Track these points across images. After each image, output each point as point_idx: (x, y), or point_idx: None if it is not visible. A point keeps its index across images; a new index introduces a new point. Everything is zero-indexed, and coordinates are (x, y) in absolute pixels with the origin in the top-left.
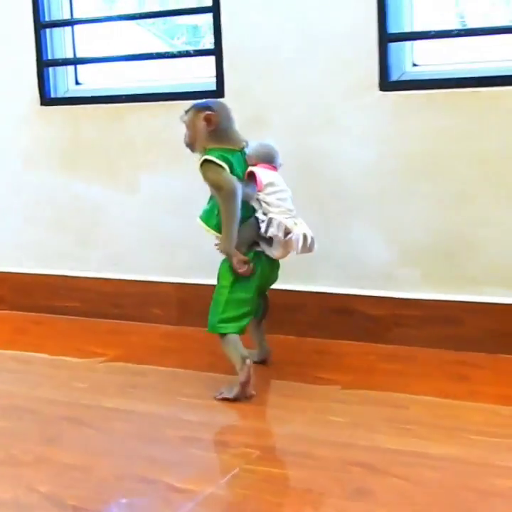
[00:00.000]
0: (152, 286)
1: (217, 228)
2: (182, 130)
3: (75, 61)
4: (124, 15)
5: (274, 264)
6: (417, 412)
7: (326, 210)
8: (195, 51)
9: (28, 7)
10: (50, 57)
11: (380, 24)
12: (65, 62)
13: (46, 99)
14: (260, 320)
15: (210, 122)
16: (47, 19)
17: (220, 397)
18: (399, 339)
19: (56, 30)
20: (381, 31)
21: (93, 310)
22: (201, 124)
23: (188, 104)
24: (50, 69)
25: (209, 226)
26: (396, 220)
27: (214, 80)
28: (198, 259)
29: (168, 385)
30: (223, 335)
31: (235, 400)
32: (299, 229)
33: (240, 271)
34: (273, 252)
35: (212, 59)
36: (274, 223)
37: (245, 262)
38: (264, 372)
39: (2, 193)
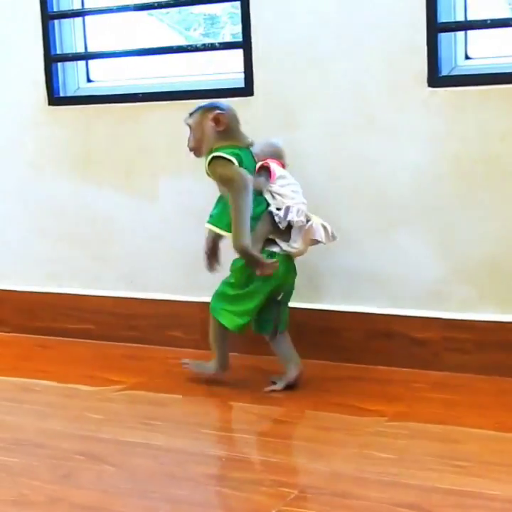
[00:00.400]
0: (173, 306)
1: (229, 228)
2: None
3: (87, 56)
4: (141, 4)
5: (290, 266)
6: (472, 447)
7: (366, 220)
8: (220, 44)
9: None
10: (58, 52)
11: (428, 12)
12: (76, 57)
13: (54, 98)
14: (275, 334)
15: (219, 123)
16: (55, 9)
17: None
18: (450, 365)
19: (65, 21)
20: (430, 20)
21: (107, 333)
22: (209, 125)
23: (214, 102)
24: (59, 65)
25: (221, 227)
26: (448, 232)
27: (241, 75)
28: (224, 276)
29: (191, 416)
30: (219, 321)
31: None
32: (317, 219)
33: (262, 272)
34: (293, 246)
35: (238, 52)
36: (294, 210)
37: (264, 263)
38: (299, 401)
39: (6, 202)
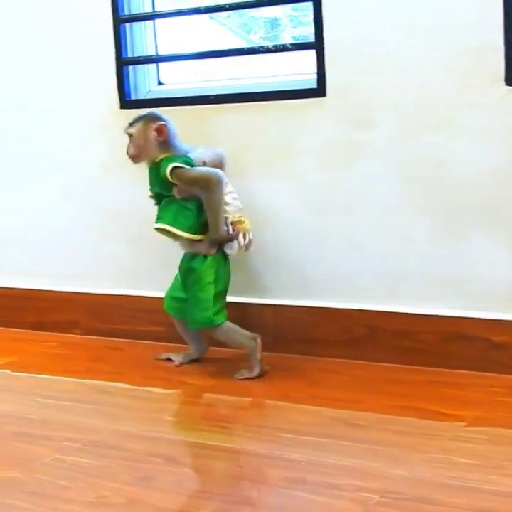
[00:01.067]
0: (244, 309)
1: (190, 230)
2: (276, 133)
3: (158, 59)
4: (213, 6)
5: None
6: None
7: (439, 221)
8: (292, 45)
9: (106, 0)
10: (129, 55)
11: (506, 7)
12: (147, 60)
13: (126, 101)
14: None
15: (161, 133)
16: (126, 13)
17: (241, 377)
18: None
19: (136, 25)
20: (508, 15)
21: (177, 335)
22: (152, 134)
23: (285, 104)
24: (130, 68)
25: (179, 229)
26: None
27: (313, 76)
28: (294, 278)
29: (266, 419)
30: (218, 326)
31: (257, 377)
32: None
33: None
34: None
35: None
36: (228, 221)
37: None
38: (373, 404)
39: (78, 206)
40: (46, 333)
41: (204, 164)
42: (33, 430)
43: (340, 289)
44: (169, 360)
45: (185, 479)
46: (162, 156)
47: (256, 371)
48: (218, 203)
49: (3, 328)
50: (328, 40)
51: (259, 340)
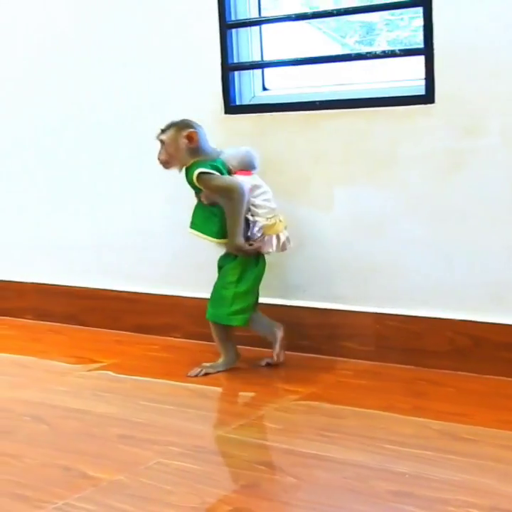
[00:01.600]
0: (346, 316)
1: (218, 235)
2: (383, 139)
3: (264, 64)
4: (320, 12)
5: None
6: None
7: None
8: (401, 51)
9: (213, 5)
10: (235, 61)
11: None
12: (253, 65)
13: (231, 106)
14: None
15: (192, 140)
16: (233, 18)
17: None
18: None
19: (242, 30)
20: None
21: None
22: (182, 141)
23: (392, 110)
24: (235, 73)
25: (207, 234)
26: None
27: (422, 83)
28: (398, 287)
29: (371, 429)
30: (233, 326)
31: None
32: (279, 227)
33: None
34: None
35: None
36: (257, 226)
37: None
38: (483, 417)
39: (180, 210)
40: (147, 335)
41: (229, 172)
42: (137, 433)
43: (444, 298)
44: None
45: (289, 488)
46: (192, 160)
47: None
48: (237, 214)
49: (106, 329)
50: (438, 46)
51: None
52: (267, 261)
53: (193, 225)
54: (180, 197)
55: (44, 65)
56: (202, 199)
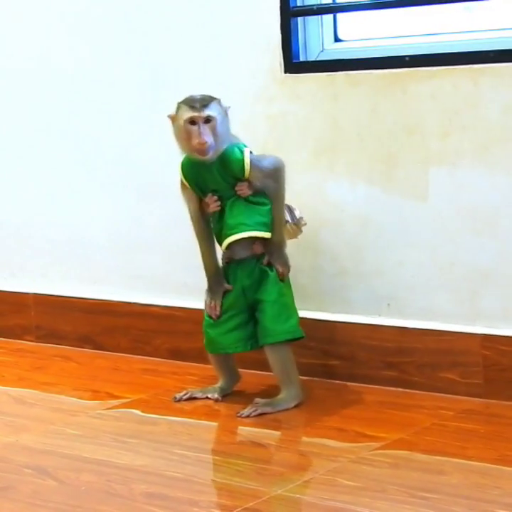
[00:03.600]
0: (445, 339)
1: (268, 228)
2: (495, 107)
3: (336, 8)
4: None
5: None
6: None
7: None
8: None
9: None
10: (298, 4)
11: None
12: (321, 9)
13: (293, 63)
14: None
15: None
16: None
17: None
18: None
19: None
20: None
21: (349, 370)
22: (228, 119)
23: (507, 68)
24: (299, 20)
25: (263, 230)
26: None
27: None
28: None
29: (480, 488)
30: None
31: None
32: None
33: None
34: None
35: None
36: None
37: None
38: None
39: None
40: (185, 363)
41: None
42: (172, 491)
43: None
44: (193, 398)
45: None
46: (228, 143)
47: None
48: (284, 197)
49: (131, 355)
50: None
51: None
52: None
53: (245, 227)
54: None
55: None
56: (242, 191)
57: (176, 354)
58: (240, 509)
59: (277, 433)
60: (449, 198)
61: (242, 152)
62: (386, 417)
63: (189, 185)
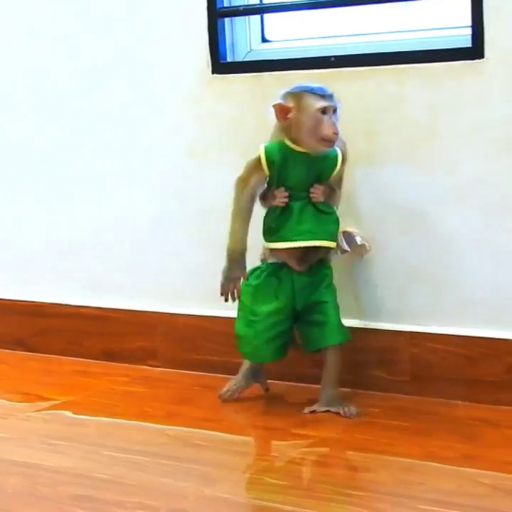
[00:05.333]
0: (372, 337)
1: (335, 238)
2: (419, 106)
3: (263, 8)
4: None
5: None
6: None
7: None
8: None
9: None
10: (225, 4)
11: None
12: (249, 10)
13: (221, 64)
14: None
15: None
16: None
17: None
18: None
19: None
20: None
21: (290, 370)
22: None
23: (430, 68)
24: (226, 20)
25: (331, 240)
26: None
27: (467, 31)
28: (443, 298)
29: (404, 485)
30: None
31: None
32: None
33: None
34: None
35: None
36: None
37: None
38: None
39: (160, 200)
40: (116, 364)
41: None
42: (99, 493)
43: (504, 313)
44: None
45: None
46: None
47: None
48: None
49: (62, 357)
50: None
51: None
52: None
53: (313, 235)
54: (156, 186)
55: None
56: (316, 195)
57: (108, 355)
58: (166, 509)
59: (208, 433)
60: (376, 197)
61: (335, 148)
62: (314, 416)
63: (269, 172)
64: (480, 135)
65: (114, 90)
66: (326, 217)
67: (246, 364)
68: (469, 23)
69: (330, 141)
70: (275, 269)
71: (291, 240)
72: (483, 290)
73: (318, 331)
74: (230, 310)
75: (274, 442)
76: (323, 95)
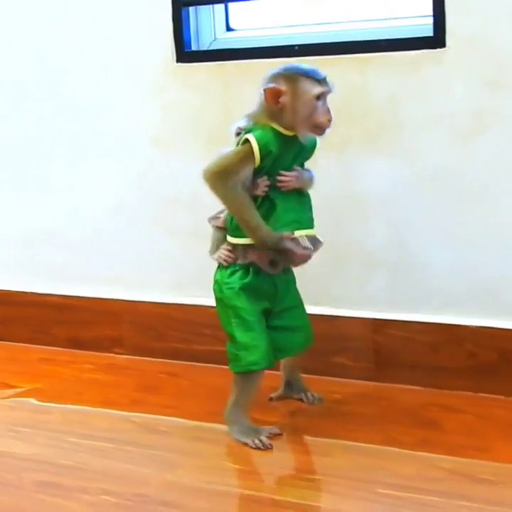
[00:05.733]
0: (336, 324)
1: None
2: (381, 95)
3: None
4: None
5: None
6: None
7: None
8: None
9: None
10: None
11: None
12: None
13: (185, 53)
14: None
15: None
16: None
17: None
18: None
19: None
20: None
21: None
22: None
23: (392, 57)
24: (191, 9)
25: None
26: None
27: (429, 21)
28: (404, 285)
29: (364, 470)
30: None
31: None
32: None
33: None
34: None
35: None
36: None
37: None
38: (507, 452)
39: (122, 189)
40: (81, 351)
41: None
42: (63, 480)
43: (464, 300)
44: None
45: None
46: None
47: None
48: None
49: (27, 344)
50: None
51: None
52: None
53: (300, 225)
54: (120, 175)
55: None
56: (291, 181)
57: (74, 343)
58: (129, 495)
59: (172, 419)
60: (337, 185)
61: None
62: (277, 402)
63: (262, 162)
64: (441, 123)
65: (77, 79)
66: (307, 202)
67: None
68: (431, 12)
69: (323, 129)
70: (257, 268)
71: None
72: (444, 277)
73: (293, 336)
74: (194, 297)
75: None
76: (318, 80)
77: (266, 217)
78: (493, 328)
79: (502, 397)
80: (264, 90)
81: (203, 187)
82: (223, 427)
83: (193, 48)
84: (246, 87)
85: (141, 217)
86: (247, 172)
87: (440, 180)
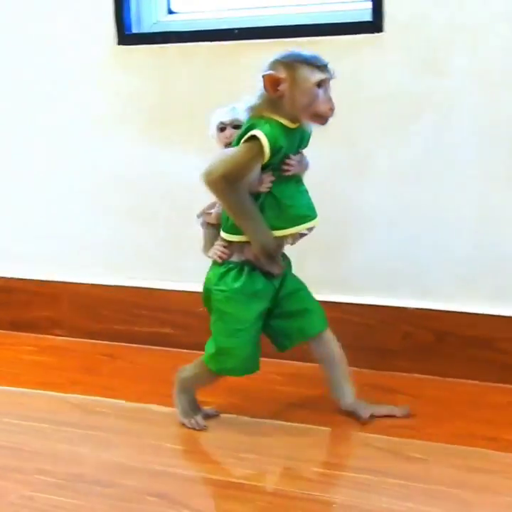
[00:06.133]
0: None
1: None
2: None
3: None
4: None
5: None
6: None
7: None
8: None
9: None
10: None
11: None
12: None
13: (126, 35)
14: None
15: None
16: None
17: None
18: None
19: None
20: None
21: (189, 338)
22: None
23: (330, 41)
24: None
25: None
26: None
27: (368, 5)
28: (341, 268)
29: (298, 449)
30: None
31: None
32: None
33: None
34: None
35: None
36: None
37: None
38: (438, 430)
39: (63, 170)
40: (21, 333)
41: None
42: None
43: (398, 282)
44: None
45: None
46: None
47: None
48: None
49: None
50: None
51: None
52: None
53: (309, 217)
54: (63, 156)
55: None
56: (294, 166)
57: (15, 325)
58: (65, 474)
59: (110, 401)
60: None
61: None
62: (215, 384)
63: (274, 159)
64: (379, 107)
65: (17, 61)
66: (305, 188)
67: (182, 401)
68: None
69: (326, 118)
70: (252, 267)
71: (288, 226)
72: (377, 259)
73: (301, 321)
74: (132, 279)
75: (173, 409)
76: (319, 66)
77: (271, 215)
78: (428, 309)
79: (438, 377)
80: (263, 77)
81: (141, 169)
82: (161, 408)
83: (134, 30)
84: (187, 70)
85: (78, 198)
86: (256, 171)
87: (376, 163)
